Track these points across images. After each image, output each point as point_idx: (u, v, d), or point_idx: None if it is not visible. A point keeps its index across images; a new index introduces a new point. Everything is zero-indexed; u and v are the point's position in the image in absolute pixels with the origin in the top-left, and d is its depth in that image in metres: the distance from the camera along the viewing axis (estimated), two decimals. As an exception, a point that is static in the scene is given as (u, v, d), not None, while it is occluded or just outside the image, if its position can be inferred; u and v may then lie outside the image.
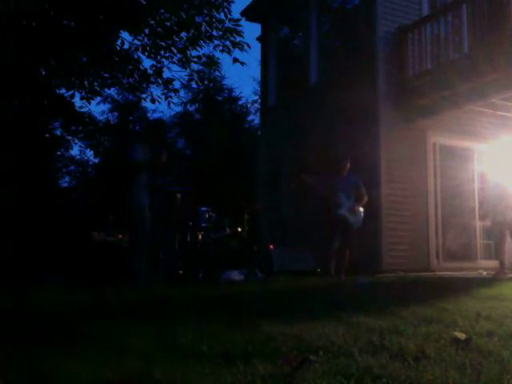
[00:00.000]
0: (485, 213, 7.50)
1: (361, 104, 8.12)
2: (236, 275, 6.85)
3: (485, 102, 7.81)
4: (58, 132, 14.31)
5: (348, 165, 7.03)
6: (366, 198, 6.93)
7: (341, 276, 6.55)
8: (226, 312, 3.20)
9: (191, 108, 19.01)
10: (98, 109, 41.23)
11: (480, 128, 8.40)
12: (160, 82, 9.77)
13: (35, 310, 3.40)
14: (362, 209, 6.89)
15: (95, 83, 9.95)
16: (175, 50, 9.33)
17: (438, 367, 1.90)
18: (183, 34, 9.15)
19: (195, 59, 9.52)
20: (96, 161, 17.68)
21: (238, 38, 8.91)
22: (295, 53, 11.42)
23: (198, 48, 9.31)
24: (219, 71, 11.05)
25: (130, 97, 15.83)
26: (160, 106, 15.35)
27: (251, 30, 12.32)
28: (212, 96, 18.77)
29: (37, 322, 2.87)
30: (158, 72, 9.64)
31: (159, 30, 9.07)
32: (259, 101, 14.94)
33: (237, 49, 8.98)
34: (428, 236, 8.16)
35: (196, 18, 8.92)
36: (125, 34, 10.07)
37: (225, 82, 18.68)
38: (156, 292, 4.63)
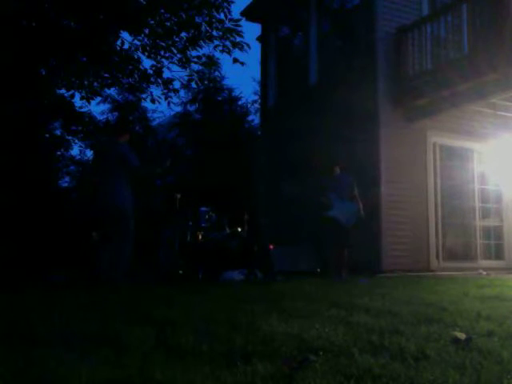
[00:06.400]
0: None
1: (361, 104, 8.12)
2: (236, 275, 6.84)
3: (485, 101, 7.81)
4: (58, 132, 14.32)
5: (336, 166, 7.05)
6: (358, 199, 6.95)
7: (341, 276, 6.55)
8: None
9: (191, 108, 18.97)
10: (98, 109, 41.27)
11: (480, 128, 8.40)
12: (160, 82, 9.76)
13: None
14: (361, 205, 6.91)
15: (95, 83, 9.94)
16: (175, 50, 9.32)
17: (437, 367, 1.90)
18: (183, 34, 9.15)
19: (195, 59, 9.52)
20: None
21: (238, 38, 8.91)
22: (295, 53, 11.40)
23: (198, 48, 9.31)
24: (219, 71, 11.07)
25: (130, 97, 15.80)
26: (160, 105, 15.30)
27: (251, 30, 12.32)
28: (212, 96, 18.74)
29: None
30: (158, 72, 9.63)
31: (159, 30, 9.05)
32: (259, 101, 14.94)
33: (237, 49, 8.98)
34: (428, 236, 8.16)
35: (196, 18, 8.91)
36: (125, 34, 10.08)
37: (225, 82, 18.65)
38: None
